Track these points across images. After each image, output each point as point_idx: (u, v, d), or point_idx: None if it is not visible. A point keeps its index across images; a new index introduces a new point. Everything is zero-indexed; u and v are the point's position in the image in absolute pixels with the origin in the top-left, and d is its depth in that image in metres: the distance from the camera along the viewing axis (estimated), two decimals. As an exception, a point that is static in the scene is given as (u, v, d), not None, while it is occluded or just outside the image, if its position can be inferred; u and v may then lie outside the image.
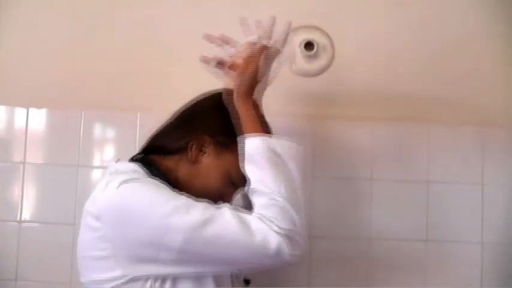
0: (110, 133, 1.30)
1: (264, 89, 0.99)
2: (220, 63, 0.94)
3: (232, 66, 0.93)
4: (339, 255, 1.26)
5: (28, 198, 1.27)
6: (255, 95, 0.95)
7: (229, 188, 0.94)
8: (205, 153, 0.92)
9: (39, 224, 1.26)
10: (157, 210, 0.79)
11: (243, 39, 0.94)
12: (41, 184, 1.28)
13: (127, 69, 1.28)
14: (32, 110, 1.28)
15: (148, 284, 0.81)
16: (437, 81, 1.29)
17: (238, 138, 0.89)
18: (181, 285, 0.83)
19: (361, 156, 1.27)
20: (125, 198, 0.81)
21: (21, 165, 1.27)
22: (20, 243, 1.25)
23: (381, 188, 1.26)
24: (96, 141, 1.28)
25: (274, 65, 0.97)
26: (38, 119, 1.28)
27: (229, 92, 0.93)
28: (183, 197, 0.83)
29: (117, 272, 0.80)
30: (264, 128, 0.91)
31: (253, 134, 0.88)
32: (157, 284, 0.81)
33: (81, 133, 1.28)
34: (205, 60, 0.94)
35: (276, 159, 0.85)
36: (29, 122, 1.28)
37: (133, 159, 0.94)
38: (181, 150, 0.92)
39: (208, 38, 0.96)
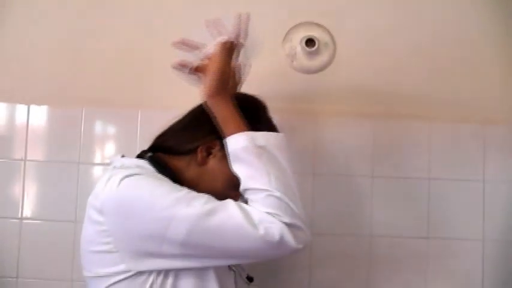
0: (111, 130, 1.30)
1: (238, 83, 0.98)
2: (191, 69, 0.92)
3: (198, 69, 0.91)
4: (340, 252, 1.26)
5: (29, 195, 1.27)
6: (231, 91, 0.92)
7: (234, 191, 0.92)
8: (213, 155, 0.92)
9: (40, 221, 1.26)
10: (159, 202, 0.79)
11: (212, 41, 0.91)
12: (41, 181, 1.28)
13: (128, 67, 1.28)
14: (33, 107, 1.28)
15: (151, 278, 0.81)
16: (438, 78, 1.29)
17: (224, 142, 0.88)
18: (184, 279, 0.83)
19: (362, 154, 1.27)
20: (127, 192, 0.81)
21: (22, 162, 1.27)
22: (21, 240, 1.25)
23: (382, 185, 1.26)
24: (97, 138, 1.28)
25: (241, 59, 0.95)
26: (38, 116, 1.28)
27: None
28: (185, 189, 0.82)
29: (121, 267, 0.80)
30: (246, 124, 0.88)
31: (231, 132, 0.86)
32: (160, 278, 0.81)
33: (82, 130, 1.28)
34: (176, 68, 0.92)
35: (260, 151, 0.84)
36: (29, 119, 1.28)
37: (140, 156, 0.94)
38: (191, 152, 0.92)
39: (175, 45, 0.93)
